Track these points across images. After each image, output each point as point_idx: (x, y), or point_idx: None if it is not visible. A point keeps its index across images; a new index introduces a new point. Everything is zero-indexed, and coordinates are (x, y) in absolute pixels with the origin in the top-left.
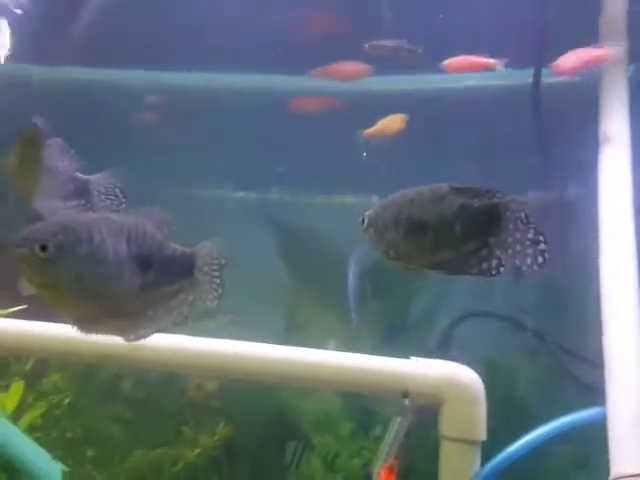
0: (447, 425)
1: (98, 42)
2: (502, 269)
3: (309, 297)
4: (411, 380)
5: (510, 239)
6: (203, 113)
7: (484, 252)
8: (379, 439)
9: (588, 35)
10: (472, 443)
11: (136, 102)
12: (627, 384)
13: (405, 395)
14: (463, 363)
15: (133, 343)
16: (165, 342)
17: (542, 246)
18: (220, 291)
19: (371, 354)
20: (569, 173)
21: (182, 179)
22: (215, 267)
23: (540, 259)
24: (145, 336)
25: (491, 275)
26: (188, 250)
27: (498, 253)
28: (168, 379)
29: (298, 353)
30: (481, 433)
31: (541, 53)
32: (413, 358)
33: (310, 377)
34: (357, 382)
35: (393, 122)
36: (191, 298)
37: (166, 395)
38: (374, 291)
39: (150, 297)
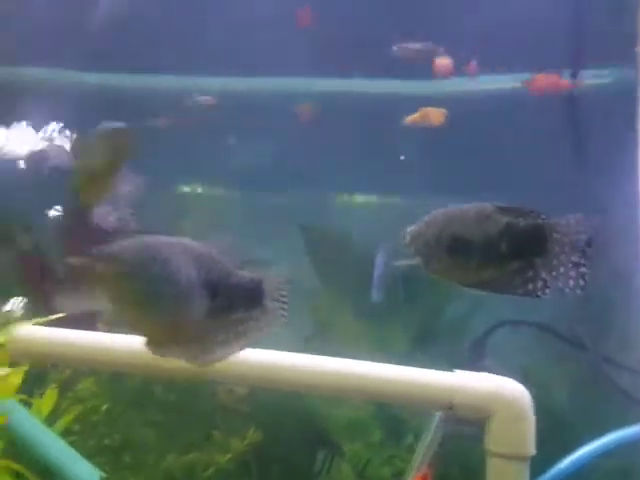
0: (494, 440)
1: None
2: (547, 290)
3: (338, 299)
4: (457, 393)
5: (555, 261)
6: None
7: (530, 273)
8: (410, 447)
9: (625, 37)
10: (521, 458)
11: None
12: None
13: (450, 408)
14: (498, 372)
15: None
16: None
17: (583, 269)
18: (286, 316)
19: (405, 360)
20: (609, 178)
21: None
22: (283, 293)
23: (582, 282)
24: (212, 361)
25: (536, 296)
26: (256, 277)
27: (544, 275)
28: (198, 383)
29: (339, 364)
30: (530, 448)
31: (578, 56)
32: (458, 371)
33: (352, 389)
34: (401, 394)
35: (434, 114)
36: (260, 324)
37: (197, 399)
38: (407, 295)
39: (218, 323)
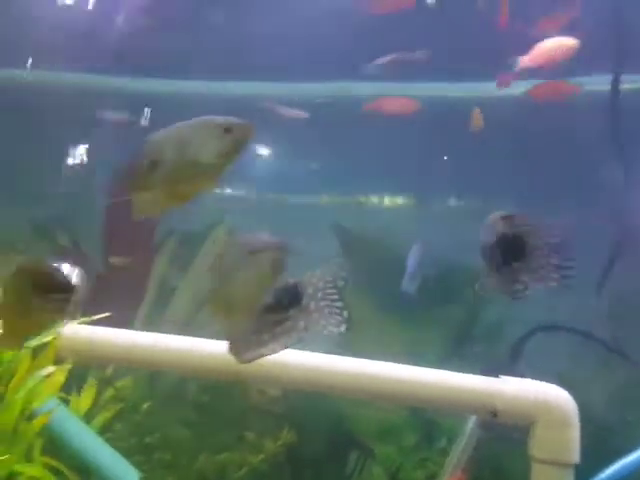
0: (538, 447)
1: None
2: (527, 292)
3: (372, 299)
4: (500, 399)
5: (534, 264)
6: None
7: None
8: (444, 451)
9: None
10: (565, 465)
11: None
12: None
13: (494, 414)
14: (534, 377)
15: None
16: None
17: (565, 271)
18: (345, 314)
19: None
20: None
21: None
22: (331, 291)
23: (564, 279)
24: (254, 358)
25: (517, 298)
26: (292, 281)
27: (524, 277)
28: (231, 383)
29: (385, 368)
30: (574, 455)
31: (620, 59)
32: (502, 377)
33: (399, 394)
34: (444, 400)
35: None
36: (302, 324)
37: (230, 399)
38: (443, 297)
39: (262, 322)
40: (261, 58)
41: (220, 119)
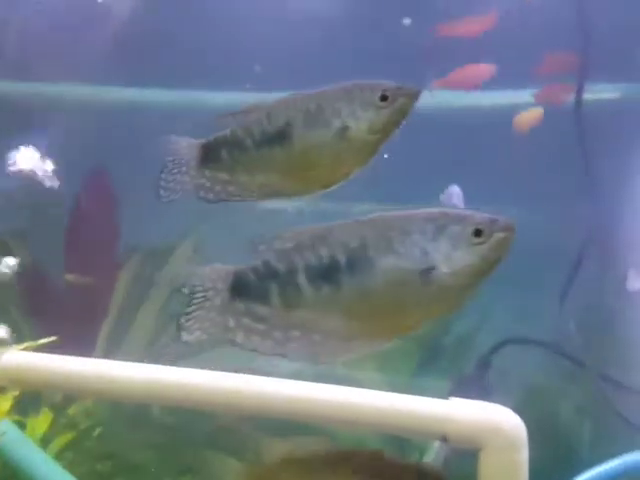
0: (486, 471)
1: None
2: None
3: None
4: (450, 423)
5: None
6: None
7: None
8: None
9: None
10: None
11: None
12: None
13: (445, 439)
14: (501, 390)
15: None
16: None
17: None
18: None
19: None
20: (615, 192)
21: None
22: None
23: None
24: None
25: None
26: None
27: None
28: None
29: (325, 391)
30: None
31: (584, 70)
32: (452, 398)
33: (342, 417)
34: (393, 424)
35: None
36: None
37: (196, 419)
38: None
39: None
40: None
41: (375, 82)
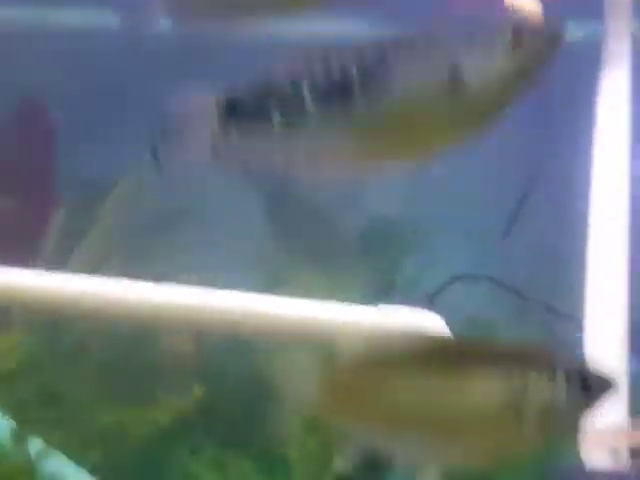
0: None
1: None
2: None
3: (292, 254)
4: (376, 330)
5: None
6: None
7: None
8: None
9: None
10: None
11: None
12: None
13: None
14: (449, 326)
15: None
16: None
17: None
18: None
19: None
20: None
21: None
22: None
23: None
24: None
25: None
26: None
27: None
28: (140, 338)
29: (253, 300)
30: None
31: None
32: (381, 305)
33: (270, 327)
34: (319, 332)
35: None
36: None
37: (137, 356)
38: (362, 250)
39: None
40: None
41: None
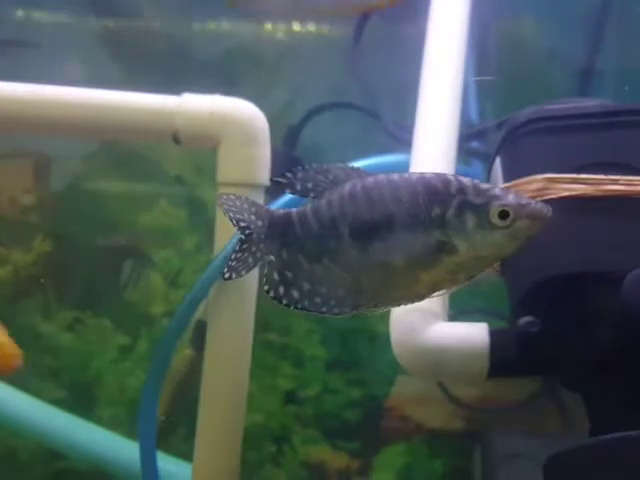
0: (223, 169)
1: None
2: None
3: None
4: (180, 118)
5: None
6: None
7: None
8: None
9: None
10: (253, 186)
11: None
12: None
13: (176, 140)
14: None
15: None
16: None
17: None
18: None
19: None
20: None
21: None
22: None
23: None
24: None
25: None
26: None
27: None
28: None
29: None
30: (263, 176)
31: None
32: (186, 94)
33: (53, 119)
34: (117, 122)
35: None
36: None
37: None
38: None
39: None
40: None
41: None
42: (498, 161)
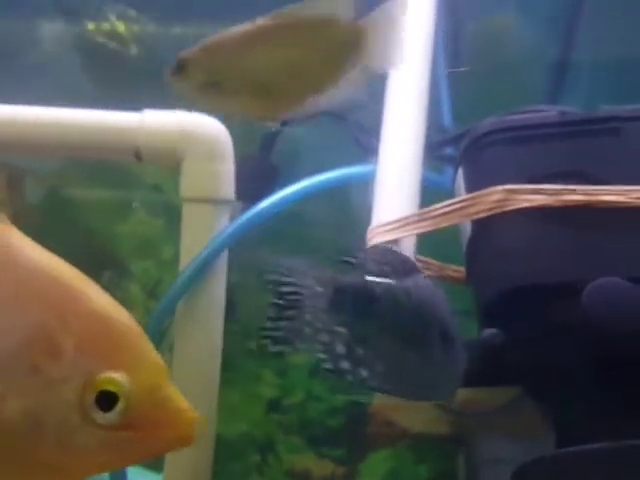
0: (187, 185)
1: None
2: None
3: None
4: (142, 135)
5: None
6: None
7: None
8: None
9: None
10: (217, 202)
11: None
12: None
13: (138, 157)
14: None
15: None
16: None
17: None
18: None
19: None
20: None
21: None
22: None
23: None
24: None
25: None
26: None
27: None
28: None
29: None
30: (226, 191)
31: None
32: (147, 111)
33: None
34: (78, 141)
35: None
36: None
37: None
38: None
39: None
40: None
41: None
42: (460, 172)
